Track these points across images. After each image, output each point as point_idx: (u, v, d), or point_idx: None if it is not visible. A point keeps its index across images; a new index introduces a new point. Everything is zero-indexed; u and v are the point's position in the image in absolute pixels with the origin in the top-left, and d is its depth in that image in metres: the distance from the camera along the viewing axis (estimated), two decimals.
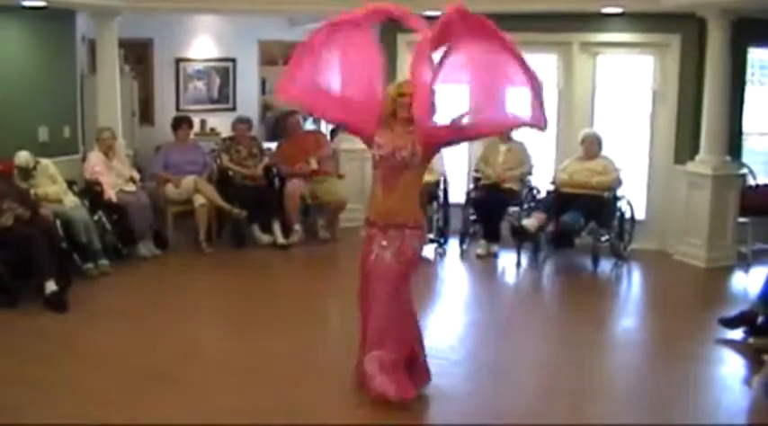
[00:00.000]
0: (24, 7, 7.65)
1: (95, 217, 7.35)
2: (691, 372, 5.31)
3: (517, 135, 8.33)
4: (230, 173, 8.66)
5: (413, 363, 4.73)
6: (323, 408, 4.66)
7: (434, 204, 8.20)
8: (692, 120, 8.02)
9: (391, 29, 9.06)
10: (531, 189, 8.36)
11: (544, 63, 8.77)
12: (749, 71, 8.32)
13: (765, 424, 4.70)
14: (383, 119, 4.60)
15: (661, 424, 4.56)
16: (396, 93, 4.55)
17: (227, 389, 4.88)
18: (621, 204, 7.90)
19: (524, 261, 7.93)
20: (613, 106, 8.59)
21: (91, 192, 7.64)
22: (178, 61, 10.88)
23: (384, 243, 4.57)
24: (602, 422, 4.55)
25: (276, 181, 8.87)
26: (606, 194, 7.73)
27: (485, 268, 7.94)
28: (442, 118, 4.57)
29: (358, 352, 4.78)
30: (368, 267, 4.63)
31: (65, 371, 5.08)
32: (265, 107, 11.51)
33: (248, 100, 11.27)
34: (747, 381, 5.11)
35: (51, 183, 7.27)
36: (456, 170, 8.82)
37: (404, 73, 9.07)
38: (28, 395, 4.69)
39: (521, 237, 7.82)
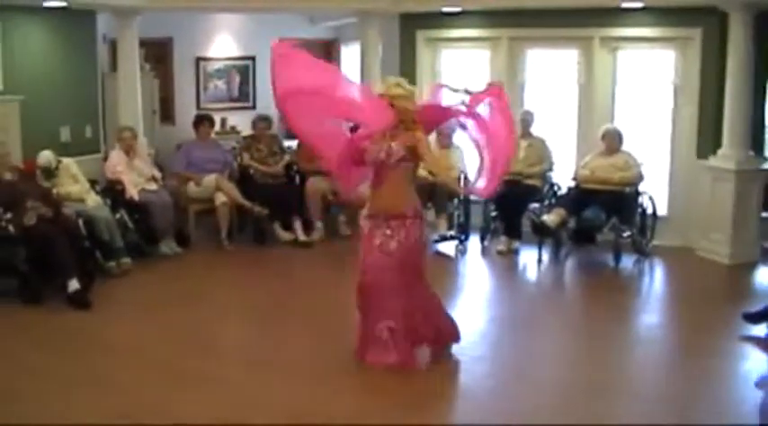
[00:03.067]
0: (46, 8, 7.71)
1: (117, 216, 7.41)
2: (714, 368, 5.28)
3: (538, 130, 8.32)
4: (251, 171, 8.68)
5: (438, 336, 5.18)
6: (343, 403, 4.67)
7: (455, 201, 8.19)
8: (714, 115, 7.94)
9: (411, 25, 9.17)
10: (552, 185, 8.32)
11: (565, 58, 8.75)
12: None
13: None
14: None
15: (687, 424, 4.52)
16: None
17: (248, 384, 4.91)
18: (643, 200, 7.84)
19: (545, 257, 7.90)
20: (634, 101, 8.51)
21: (113, 191, 7.70)
22: (198, 60, 10.93)
23: (388, 232, 4.94)
24: (625, 418, 4.54)
25: (297, 178, 8.89)
26: (628, 190, 7.68)
27: (506, 264, 7.92)
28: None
29: (358, 336, 5.19)
30: (372, 256, 4.98)
31: (90, 366, 5.15)
32: None
33: (268, 98, 11.12)
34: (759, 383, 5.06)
35: (73, 183, 7.33)
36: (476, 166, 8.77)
37: (422, 68, 9.21)
38: (55, 390, 4.76)
39: (542, 233, 7.79)
